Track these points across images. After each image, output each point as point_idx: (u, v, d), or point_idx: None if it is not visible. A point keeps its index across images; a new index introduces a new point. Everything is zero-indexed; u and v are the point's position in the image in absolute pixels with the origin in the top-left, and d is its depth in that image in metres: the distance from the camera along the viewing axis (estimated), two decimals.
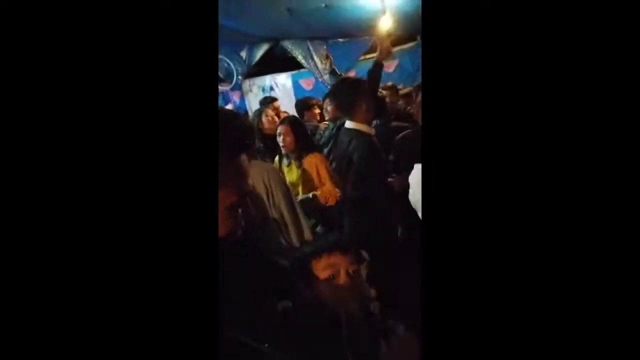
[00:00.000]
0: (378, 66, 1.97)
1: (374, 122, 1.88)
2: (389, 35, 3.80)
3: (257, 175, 1.60)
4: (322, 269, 0.84)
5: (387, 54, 2.08)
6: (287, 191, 1.66)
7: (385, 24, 3.44)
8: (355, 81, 1.80)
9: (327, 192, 1.98)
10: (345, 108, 1.72)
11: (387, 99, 2.74)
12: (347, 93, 1.70)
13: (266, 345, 0.56)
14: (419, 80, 3.09)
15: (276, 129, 2.20)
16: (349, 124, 1.72)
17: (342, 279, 0.82)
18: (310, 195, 1.97)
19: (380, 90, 2.28)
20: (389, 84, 3.15)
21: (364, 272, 0.87)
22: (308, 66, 4.40)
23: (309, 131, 2.34)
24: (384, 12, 3.21)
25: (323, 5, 3.17)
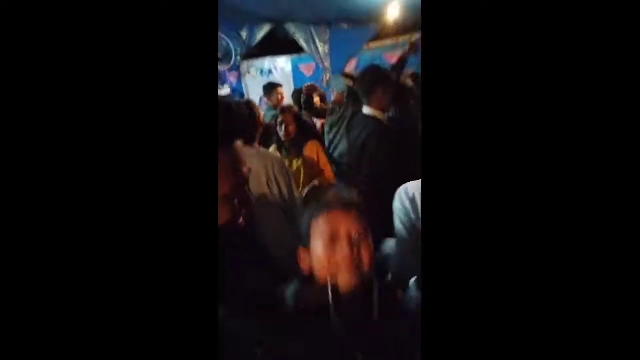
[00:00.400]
0: (403, 61, 2.07)
1: (392, 109, 1.89)
2: (414, 29, 3.75)
3: (261, 164, 1.57)
4: (319, 228, 0.68)
5: (415, 51, 2.12)
6: (290, 183, 1.64)
7: (392, 13, 3.39)
8: (379, 71, 1.82)
9: (328, 178, 2.00)
10: (365, 95, 1.75)
11: (409, 86, 2.65)
12: (370, 81, 1.73)
13: (259, 349, 0.56)
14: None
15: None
16: (366, 110, 1.74)
17: (341, 241, 0.65)
18: (317, 182, 1.97)
19: (403, 76, 2.32)
20: (412, 71, 2.98)
21: (369, 240, 0.68)
22: (309, 50, 4.30)
23: (310, 119, 2.33)
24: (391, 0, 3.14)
25: None
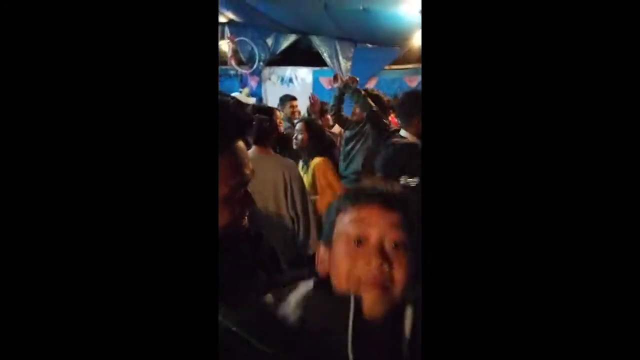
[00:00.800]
0: None
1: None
2: (419, 48, 3.80)
3: (277, 169, 1.60)
4: (346, 225, 0.53)
5: None
6: (304, 189, 1.67)
7: (418, 40, 3.44)
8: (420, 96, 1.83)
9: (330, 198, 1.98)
10: (404, 119, 1.78)
11: None
12: (411, 106, 1.75)
13: (234, 328, 0.52)
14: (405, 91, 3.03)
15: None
16: (403, 133, 1.77)
17: (371, 247, 0.50)
18: (314, 197, 1.96)
19: None
20: None
21: (407, 253, 0.51)
22: (332, 65, 4.36)
23: (325, 135, 2.33)
24: (420, 26, 3.19)
25: (361, 7, 3.14)
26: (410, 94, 1.86)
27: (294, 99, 3.23)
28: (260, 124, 1.61)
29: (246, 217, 0.64)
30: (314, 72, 4.72)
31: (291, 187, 1.60)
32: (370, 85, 4.42)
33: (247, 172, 0.62)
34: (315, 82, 4.70)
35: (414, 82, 4.27)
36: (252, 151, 1.60)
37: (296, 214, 1.60)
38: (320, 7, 3.25)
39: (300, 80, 4.78)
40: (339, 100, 2.56)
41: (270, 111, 1.76)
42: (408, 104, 1.77)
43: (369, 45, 4.29)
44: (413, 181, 1.21)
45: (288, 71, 4.81)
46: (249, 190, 0.64)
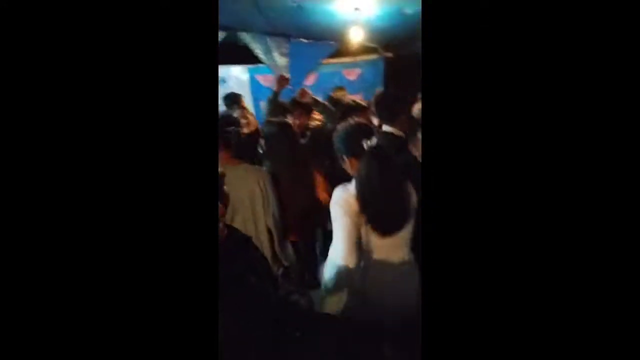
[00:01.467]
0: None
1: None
2: (356, 44, 3.79)
3: (253, 181, 1.56)
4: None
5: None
6: (281, 198, 1.63)
7: (355, 35, 3.41)
8: (396, 96, 1.83)
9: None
10: (387, 120, 1.75)
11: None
12: (389, 107, 1.74)
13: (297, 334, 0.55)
14: (380, 90, 3.06)
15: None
16: (387, 128, 1.75)
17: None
18: None
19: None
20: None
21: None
22: (267, 62, 4.16)
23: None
24: (356, 22, 3.15)
25: (295, 4, 2.99)
26: (385, 93, 1.88)
27: (240, 96, 3.03)
28: (232, 133, 1.57)
29: (224, 227, 0.66)
30: (250, 70, 4.47)
31: (268, 196, 1.55)
32: (310, 80, 4.33)
33: (221, 175, 0.63)
34: (252, 80, 4.47)
35: (353, 75, 4.27)
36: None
37: (274, 224, 1.56)
38: (250, 4, 3.03)
39: (234, 79, 4.50)
40: (274, 103, 2.48)
41: (236, 118, 1.73)
42: (386, 102, 1.77)
43: (304, 40, 4.17)
44: (372, 141, 1.25)
45: (220, 70, 4.49)
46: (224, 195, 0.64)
